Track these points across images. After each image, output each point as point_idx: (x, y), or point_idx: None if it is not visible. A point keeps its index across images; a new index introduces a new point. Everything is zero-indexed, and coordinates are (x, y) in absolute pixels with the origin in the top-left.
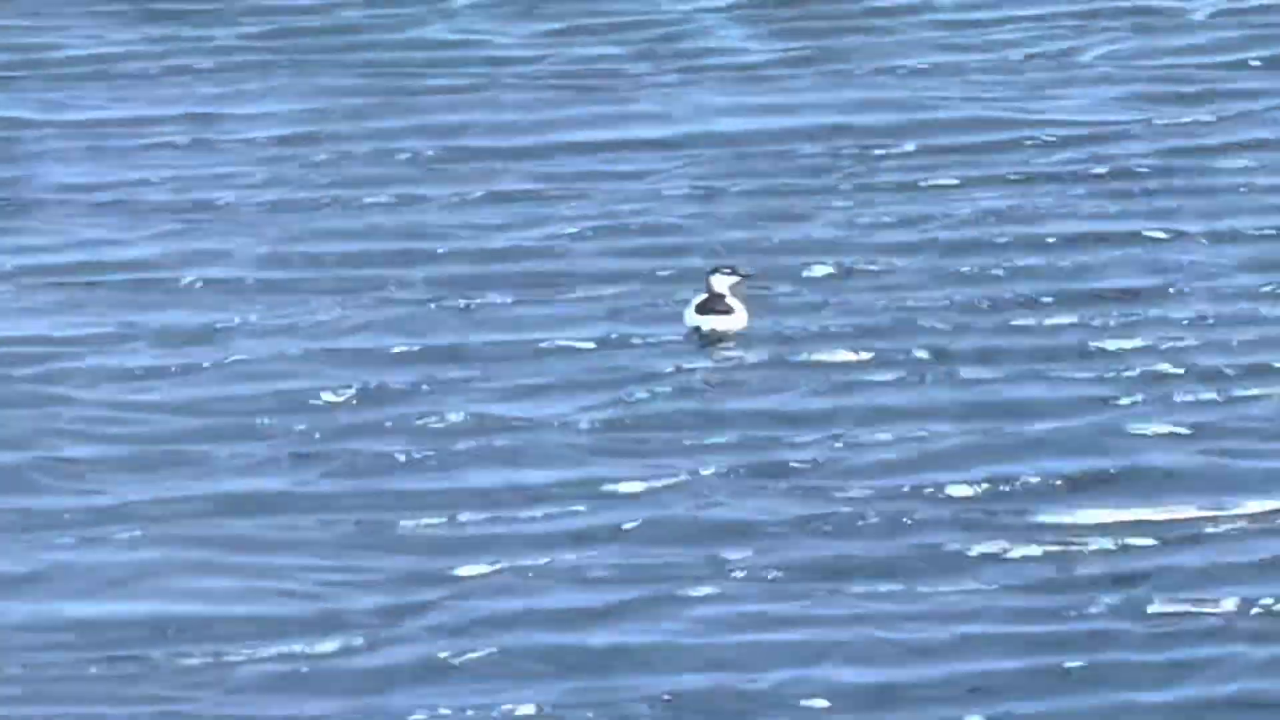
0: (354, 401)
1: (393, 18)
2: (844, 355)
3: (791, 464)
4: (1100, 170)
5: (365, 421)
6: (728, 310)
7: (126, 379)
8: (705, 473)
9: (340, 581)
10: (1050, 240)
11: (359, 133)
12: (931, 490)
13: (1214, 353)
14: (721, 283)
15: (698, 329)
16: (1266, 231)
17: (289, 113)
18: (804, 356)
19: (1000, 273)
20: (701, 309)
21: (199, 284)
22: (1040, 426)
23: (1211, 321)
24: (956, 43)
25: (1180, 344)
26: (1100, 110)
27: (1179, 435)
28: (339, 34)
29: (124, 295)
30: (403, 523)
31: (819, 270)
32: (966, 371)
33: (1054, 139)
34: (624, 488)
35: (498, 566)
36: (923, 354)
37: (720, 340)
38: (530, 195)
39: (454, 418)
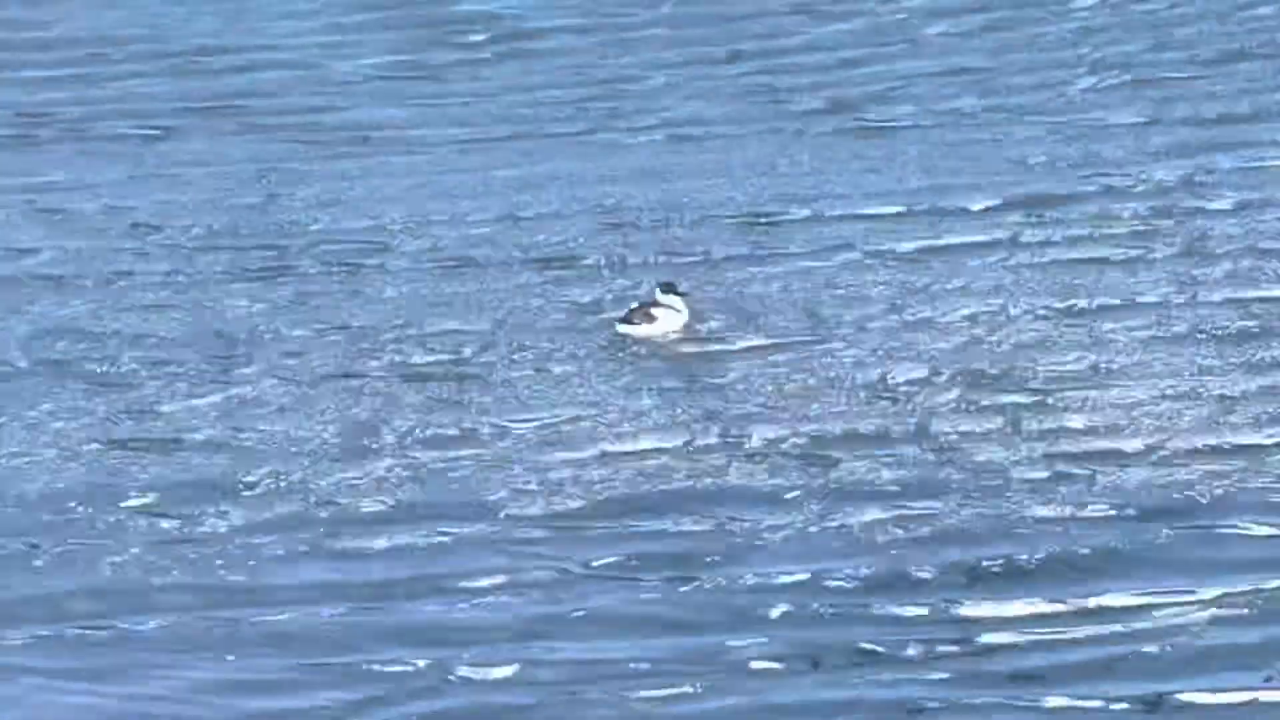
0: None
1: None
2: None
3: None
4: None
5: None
6: (652, 319)
7: None
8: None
9: None
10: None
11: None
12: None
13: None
14: (663, 297)
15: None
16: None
17: None
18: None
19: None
20: (626, 320)
21: None
22: (950, 520)
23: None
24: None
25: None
26: None
27: (1086, 522)
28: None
29: None
30: None
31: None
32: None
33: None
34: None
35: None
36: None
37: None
38: None
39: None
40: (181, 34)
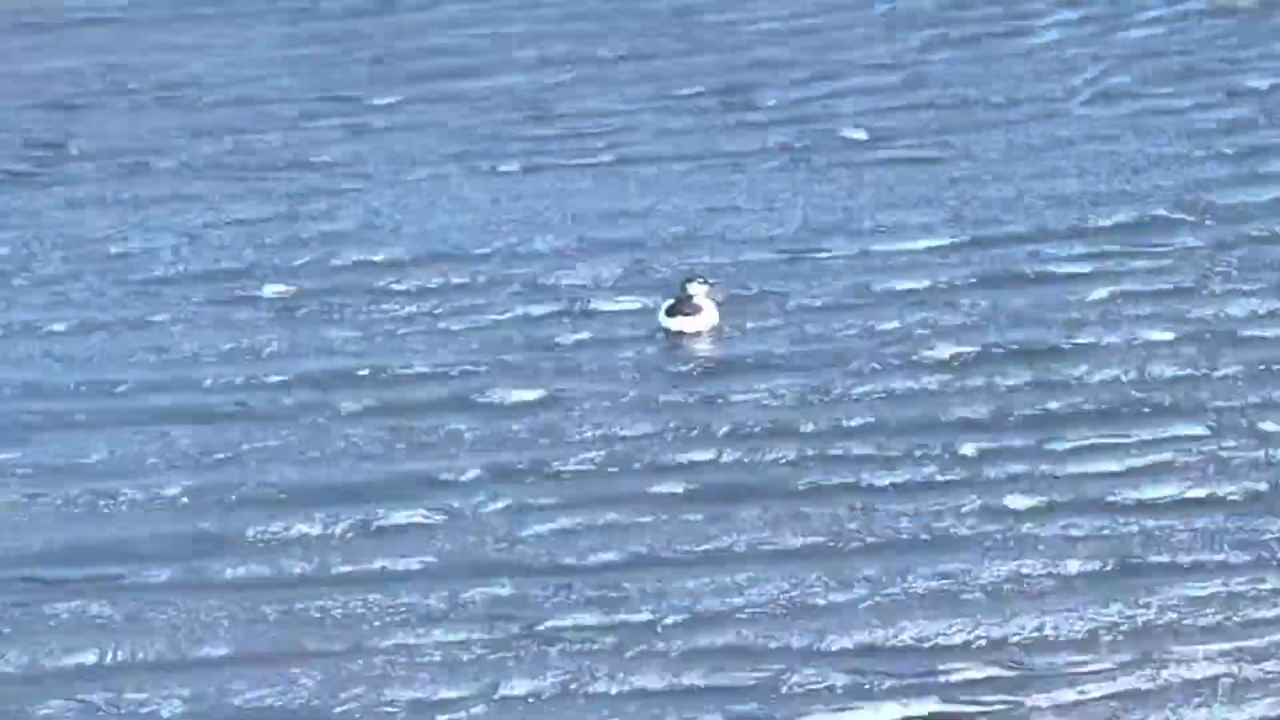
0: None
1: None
2: None
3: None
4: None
5: None
6: (695, 312)
7: None
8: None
9: None
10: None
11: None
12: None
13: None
14: (696, 290)
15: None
16: None
17: None
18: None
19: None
20: (671, 312)
21: None
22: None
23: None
24: None
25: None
26: None
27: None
28: None
29: None
30: None
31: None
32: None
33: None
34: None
35: None
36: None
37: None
38: None
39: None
40: (133, 67)
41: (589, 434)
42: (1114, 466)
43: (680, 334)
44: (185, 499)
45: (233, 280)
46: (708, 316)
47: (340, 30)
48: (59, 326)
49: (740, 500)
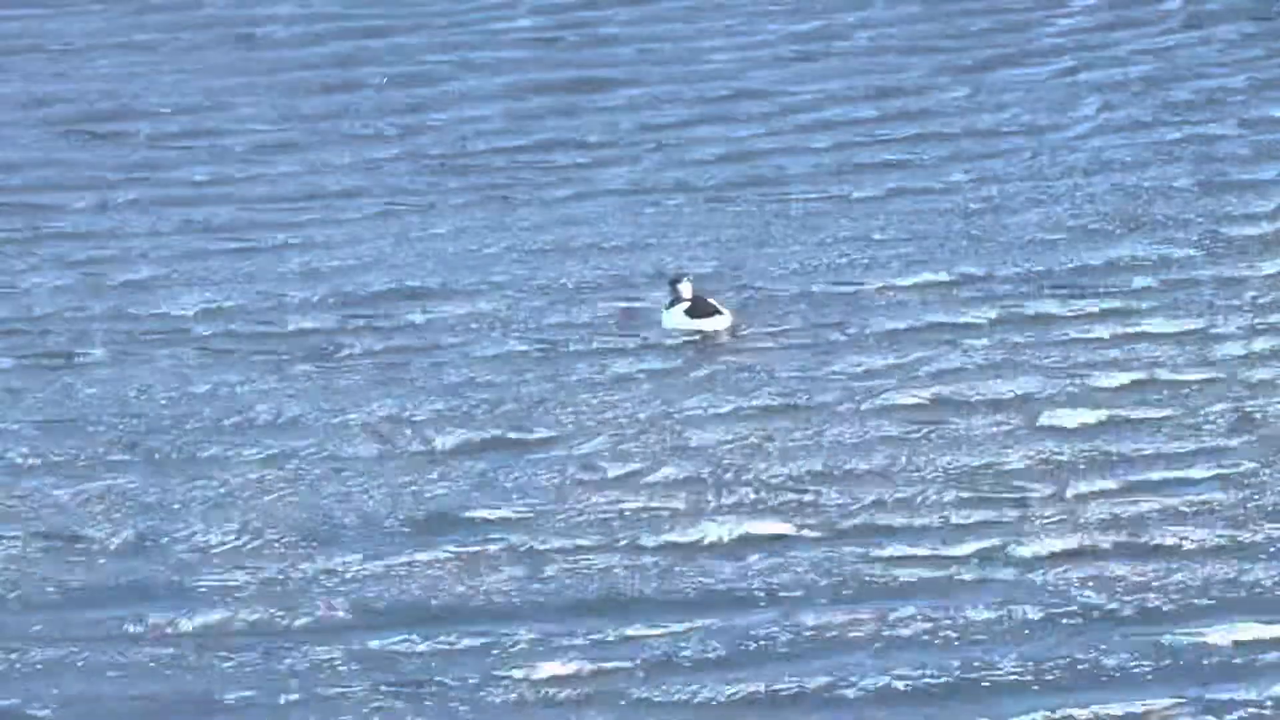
0: None
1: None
2: None
3: None
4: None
5: None
6: (717, 311)
7: None
8: None
9: None
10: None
11: None
12: None
13: None
14: (688, 289)
15: (694, 330)
16: None
17: None
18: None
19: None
20: (693, 313)
21: None
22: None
23: None
24: None
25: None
26: None
27: None
28: None
29: None
30: None
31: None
32: None
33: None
34: None
35: None
36: None
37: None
38: None
39: None
40: (66, 99)
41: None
42: (1148, 507)
43: (699, 334)
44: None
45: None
46: (726, 315)
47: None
48: None
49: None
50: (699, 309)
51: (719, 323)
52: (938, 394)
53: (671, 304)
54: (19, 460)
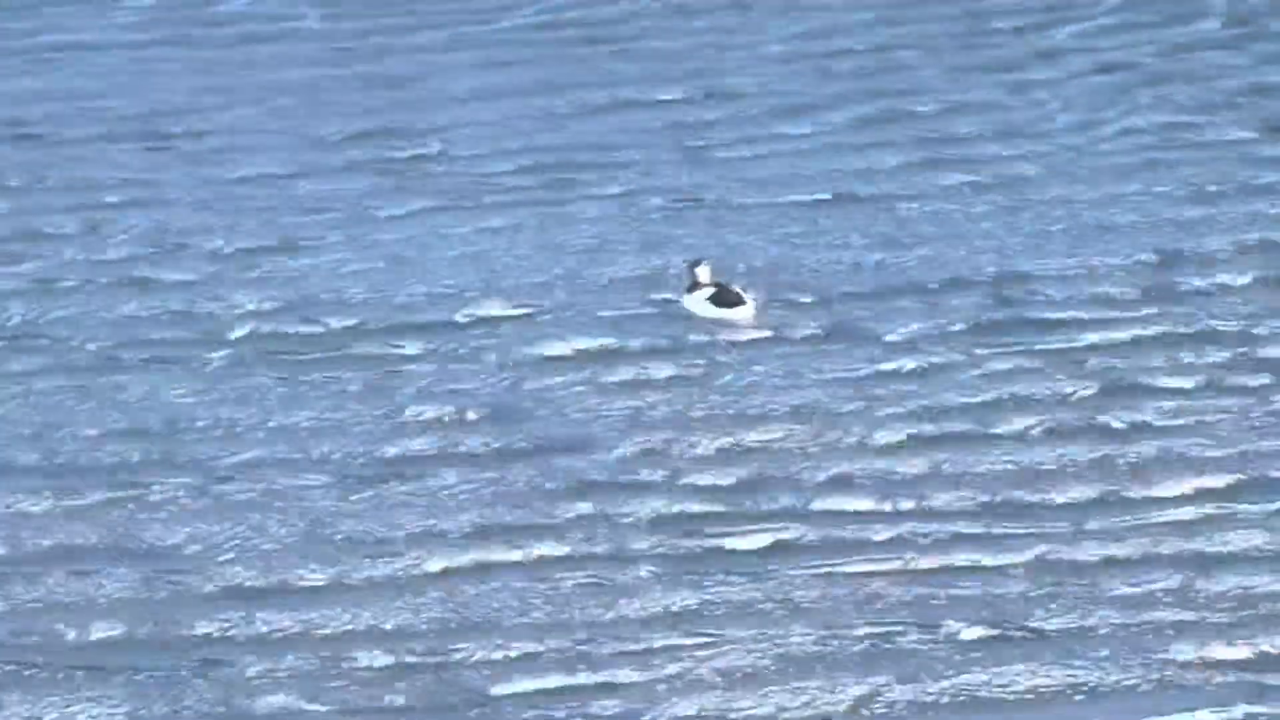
0: None
1: None
2: None
3: None
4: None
5: None
6: (741, 300)
7: None
8: None
9: None
10: None
11: None
12: None
13: None
14: (707, 273)
15: (718, 318)
16: None
17: None
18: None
19: None
20: (718, 301)
21: None
22: None
23: None
24: None
25: None
26: None
27: None
28: None
29: None
30: None
31: None
32: None
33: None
34: None
35: None
36: None
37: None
38: None
39: None
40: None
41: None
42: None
43: (724, 322)
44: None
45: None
46: (750, 305)
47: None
48: None
49: None
50: (724, 297)
51: (744, 312)
52: (976, 397)
53: (691, 289)
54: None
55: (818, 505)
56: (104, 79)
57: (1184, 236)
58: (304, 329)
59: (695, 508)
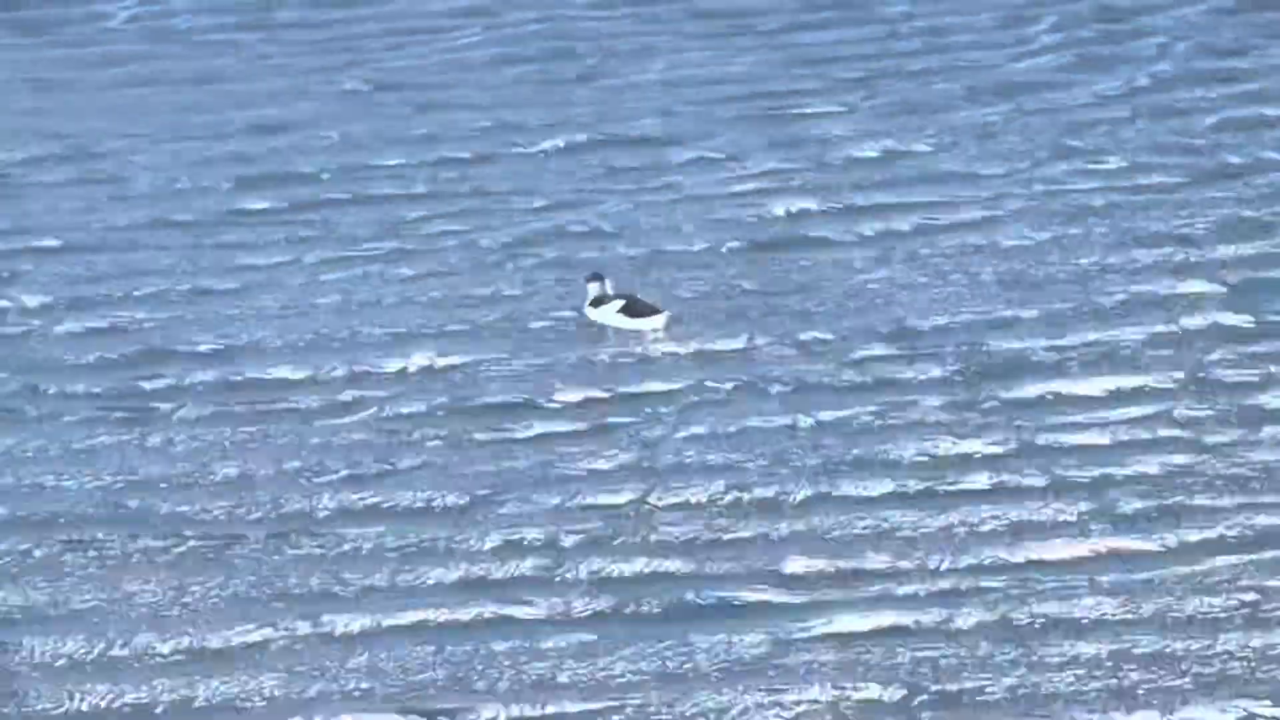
0: None
1: None
2: None
3: None
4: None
5: None
6: (654, 310)
7: None
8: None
9: None
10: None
11: None
12: None
13: None
14: (609, 286)
15: (632, 329)
16: None
17: None
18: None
19: None
20: (630, 311)
21: None
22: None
23: None
24: None
25: None
26: None
27: None
28: None
29: None
30: None
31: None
32: None
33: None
34: None
35: None
36: None
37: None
38: None
39: None
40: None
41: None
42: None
43: (638, 333)
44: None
45: None
46: (664, 315)
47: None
48: None
49: None
50: (636, 308)
51: (656, 322)
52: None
53: (597, 302)
54: None
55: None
56: None
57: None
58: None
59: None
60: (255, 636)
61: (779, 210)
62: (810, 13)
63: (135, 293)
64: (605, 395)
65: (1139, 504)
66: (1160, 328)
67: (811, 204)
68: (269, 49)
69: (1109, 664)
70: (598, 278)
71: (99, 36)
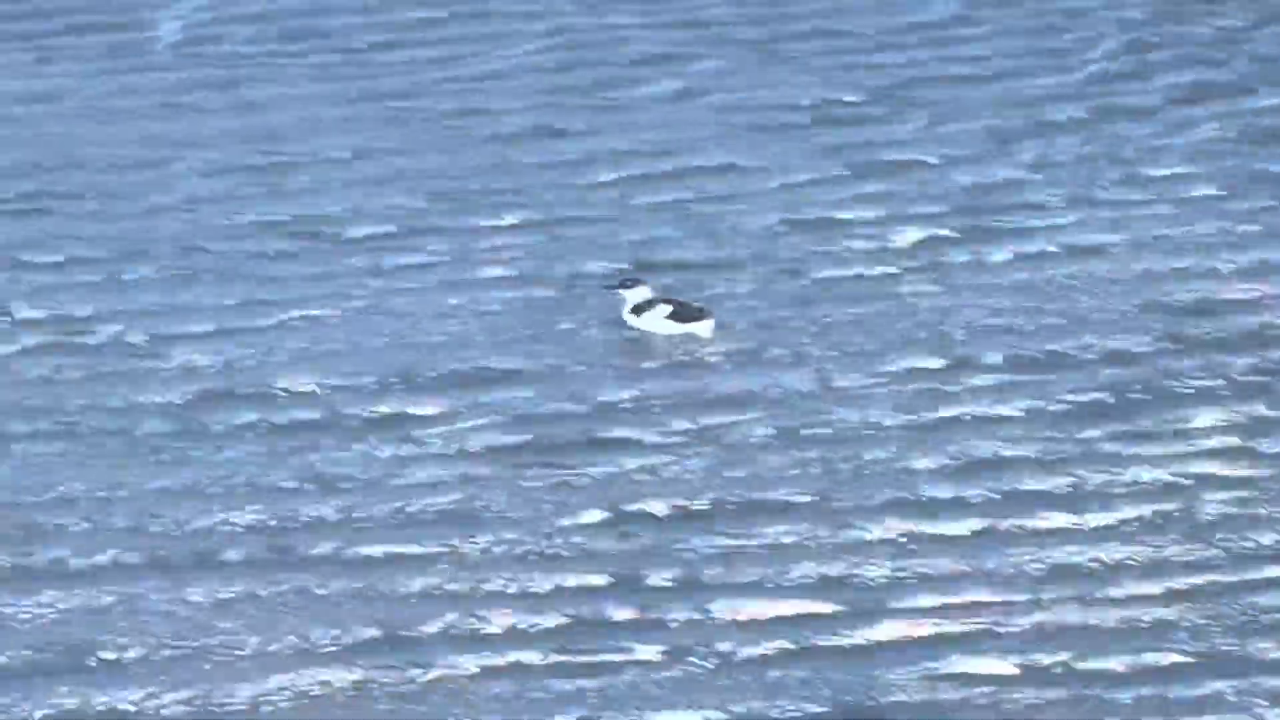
0: None
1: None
2: None
3: None
4: None
5: None
6: (702, 315)
7: None
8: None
9: None
10: None
11: None
12: None
13: None
14: (647, 291)
15: (680, 334)
16: None
17: None
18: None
19: None
20: (678, 317)
21: None
22: None
23: None
24: None
25: None
26: None
27: None
28: None
29: None
30: None
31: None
32: None
33: None
34: None
35: None
36: None
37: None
38: None
39: None
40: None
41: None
42: None
43: (690, 337)
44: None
45: None
46: (711, 320)
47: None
48: None
49: None
50: (683, 313)
51: (704, 327)
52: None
53: (638, 309)
54: None
55: None
56: None
57: None
58: None
59: None
60: (325, 674)
61: (833, 227)
62: (851, 23)
63: (226, 315)
64: (665, 403)
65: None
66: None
67: (865, 216)
68: (307, 70)
69: None
70: (634, 283)
71: (145, 60)
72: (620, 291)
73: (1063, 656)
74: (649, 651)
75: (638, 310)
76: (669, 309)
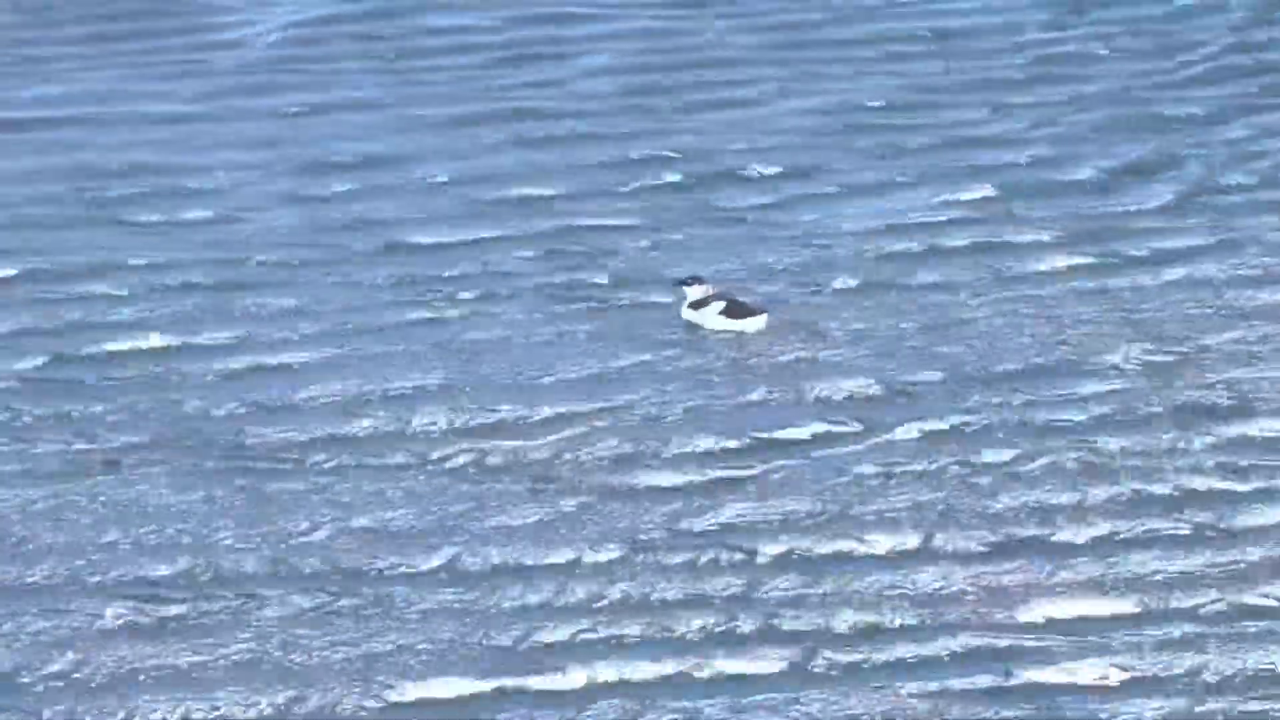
0: None
1: None
2: None
3: None
4: None
5: None
6: (755, 310)
7: None
8: None
9: None
10: None
11: None
12: None
13: None
14: (705, 289)
15: (735, 330)
16: None
17: None
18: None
19: None
20: (731, 313)
21: None
22: None
23: None
24: None
25: None
26: None
27: None
28: None
29: None
30: None
31: None
32: None
33: None
34: None
35: None
36: None
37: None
38: None
39: None
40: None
41: None
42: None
43: (742, 334)
44: None
45: None
46: (764, 315)
47: None
48: None
49: None
50: (736, 309)
51: (758, 323)
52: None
53: (697, 305)
54: None
55: None
56: None
57: None
58: None
59: None
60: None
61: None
62: (922, 40)
63: (273, 331)
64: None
65: None
66: None
67: (931, 234)
68: (397, 79)
69: None
70: (696, 280)
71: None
72: (683, 288)
73: None
74: None
75: (695, 306)
76: (723, 305)
